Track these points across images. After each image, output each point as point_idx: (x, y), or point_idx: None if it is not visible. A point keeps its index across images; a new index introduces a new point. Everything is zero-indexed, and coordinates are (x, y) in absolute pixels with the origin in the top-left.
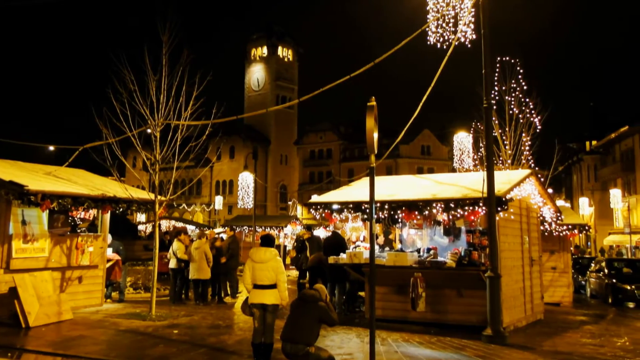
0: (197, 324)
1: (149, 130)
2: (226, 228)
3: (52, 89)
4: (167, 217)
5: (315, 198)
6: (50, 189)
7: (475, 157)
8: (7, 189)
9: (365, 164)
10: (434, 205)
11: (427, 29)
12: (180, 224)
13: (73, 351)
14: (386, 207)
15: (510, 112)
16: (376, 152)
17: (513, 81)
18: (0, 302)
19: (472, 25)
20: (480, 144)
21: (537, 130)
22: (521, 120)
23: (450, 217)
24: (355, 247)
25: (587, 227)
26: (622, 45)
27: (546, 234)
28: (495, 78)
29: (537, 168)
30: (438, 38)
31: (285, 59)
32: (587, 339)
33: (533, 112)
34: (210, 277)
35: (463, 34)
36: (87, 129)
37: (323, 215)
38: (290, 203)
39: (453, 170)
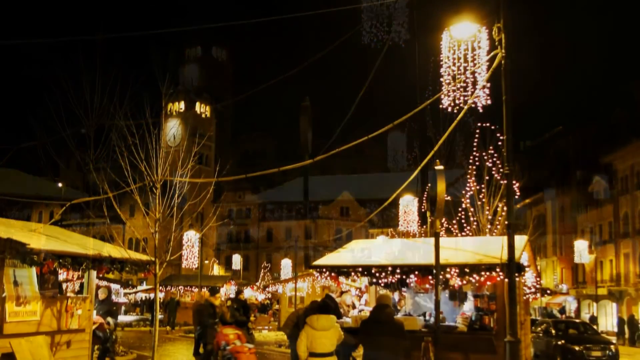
0: None
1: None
2: None
3: None
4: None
5: (321, 261)
6: (52, 248)
7: (419, 220)
8: (5, 247)
9: (285, 224)
10: (448, 270)
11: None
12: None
13: None
14: (398, 271)
15: (487, 177)
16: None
17: (491, 147)
18: None
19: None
20: (422, 208)
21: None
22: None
23: (465, 282)
24: (360, 311)
25: None
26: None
27: None
28: (475, 143)
29: None
30: None
31: (203, 115)
32: None
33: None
34: None
35: None
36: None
37: (328, 278)
38: (207, 262)
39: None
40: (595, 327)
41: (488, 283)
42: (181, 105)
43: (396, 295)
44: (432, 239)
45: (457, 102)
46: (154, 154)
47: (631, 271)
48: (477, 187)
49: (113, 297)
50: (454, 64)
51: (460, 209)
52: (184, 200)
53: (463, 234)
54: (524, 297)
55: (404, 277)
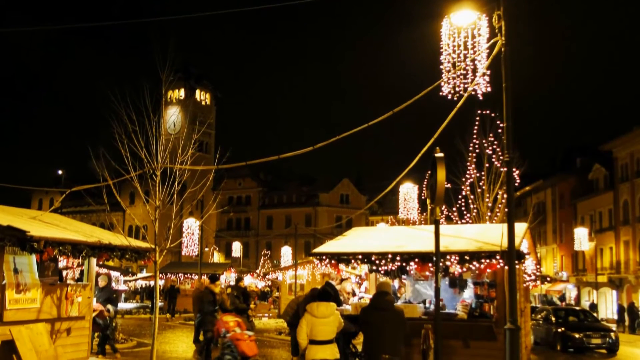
0: None
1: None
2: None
3: None
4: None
5: (321, 248)
6: (52, 235)
7: (419, 208)
8: (5, 235)
9: (285, 212)
10: (448, 257)
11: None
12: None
13: None
14: (398, 258)
15: (488, 164)
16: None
17: (491, 134)
18: None
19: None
20: (422, 195)
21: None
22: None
23: (465, 269)
24: (360, 299)
25: None
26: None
27: None
28: (475, 130)
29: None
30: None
31: (203, 103)
32: None
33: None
34: None
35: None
36: None
37: (328, 265)
38: (207, 250)
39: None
40: (595, 314)
41: (488, 270)
42: (181, 93)
43: (396, 283)
44: (432, 226)
45: (457, 89)
46: (154, 141)
47: (631, 258)
48: (477, 175)
49: (113, 284)
50: (453, 52)
51: (460, 197)
52: (184, 188)
53: (463, 221)
54: (524, 285)
55: (404, 264)
